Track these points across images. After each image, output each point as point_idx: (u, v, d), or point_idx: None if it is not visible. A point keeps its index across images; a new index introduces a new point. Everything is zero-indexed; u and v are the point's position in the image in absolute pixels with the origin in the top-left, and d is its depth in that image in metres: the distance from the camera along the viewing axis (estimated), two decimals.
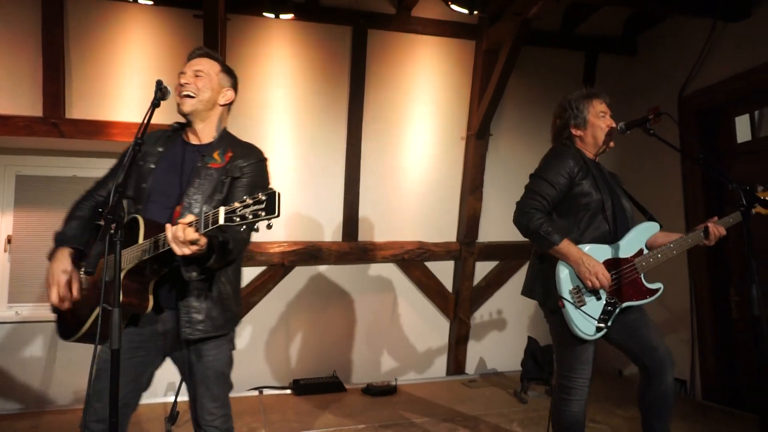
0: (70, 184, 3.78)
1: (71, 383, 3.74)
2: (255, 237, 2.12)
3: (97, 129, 3.54)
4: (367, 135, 4.21)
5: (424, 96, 4.34)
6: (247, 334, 4.10)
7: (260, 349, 4.14)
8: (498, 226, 4.53)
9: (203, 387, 1.79)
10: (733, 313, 3.79)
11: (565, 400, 2.20)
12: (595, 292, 2.14)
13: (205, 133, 1.88)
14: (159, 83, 1.73)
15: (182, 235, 1.45)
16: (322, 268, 4.28)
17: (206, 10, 3.25)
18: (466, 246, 4.44)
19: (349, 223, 4.24)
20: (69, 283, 1.67)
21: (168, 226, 1.48)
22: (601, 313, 2.14)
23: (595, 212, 2.19)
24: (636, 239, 2.21)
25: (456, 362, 4.50)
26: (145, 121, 1.63)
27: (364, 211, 4.28)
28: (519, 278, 4.70)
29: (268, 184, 1.88)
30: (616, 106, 2.39)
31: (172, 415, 3.10)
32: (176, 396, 3.10)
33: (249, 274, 4.10)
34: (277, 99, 4.05)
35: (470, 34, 4.30)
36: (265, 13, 3.59)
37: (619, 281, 2.16)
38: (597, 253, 2.16)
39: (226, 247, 1.63)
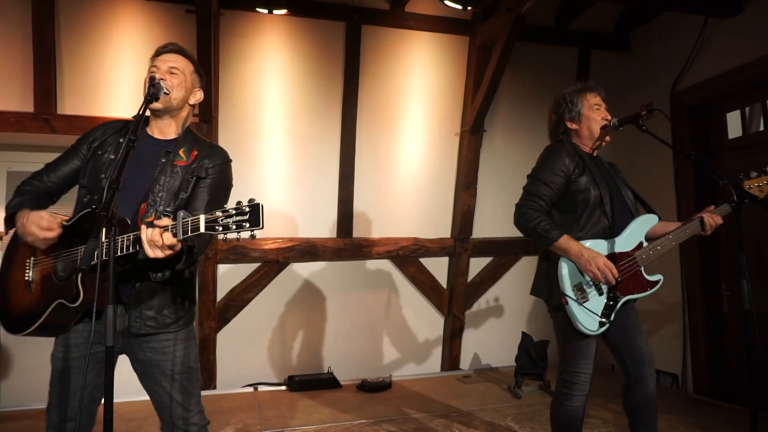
0: None
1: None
2: None
3: (88, 124, 3.45)
4: (361, 131, 4.21)
5: (418, 92, 4.34)
6: (242, 330, 4.10)
7: (255, 346, 4.14)
8: (492, 222, 4.55)
9: (172, 384, 1.76)
10: (725, 307, 3.83)
11: (566, 395, 2.22)
12: (597, 288, 2.15)
13: (170, 129, 1.85)
14: (152, 79, 1.72)
15: (159, 240, 1.43)
16: (317, 265, 4.27)
17: (199, 6, 3.23)
18: (461, 242, 4.45)
19: (344, 219, 4.24)
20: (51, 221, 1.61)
21: (143, 227, 1.46)
22: (604, 308, 2.15)
23: (593, 207, 2.20)
24: (635, 232, 2.22)
25: (450, 358, 4.52)
26: (140, 117, 1.61)
27: (358, 207, 4.28)
28: (513, 274, 4.74)
29: (230, 185, 1.88)
30: (609, 101, 2.40)
31: None
32: None
33: (243, 270, 4.09)
34: (271, 95, 4.03)
35: (464, 29, 4.29)
36: (258, 9, 3.57)
37: (621, 275, 2.17)
38: (597, 247, 2.17)
39: (193, 251, 1.63)
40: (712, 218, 2.21)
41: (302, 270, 4.25)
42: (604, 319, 2.13)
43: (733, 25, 3.67)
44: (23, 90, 3.48)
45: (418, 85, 4.33)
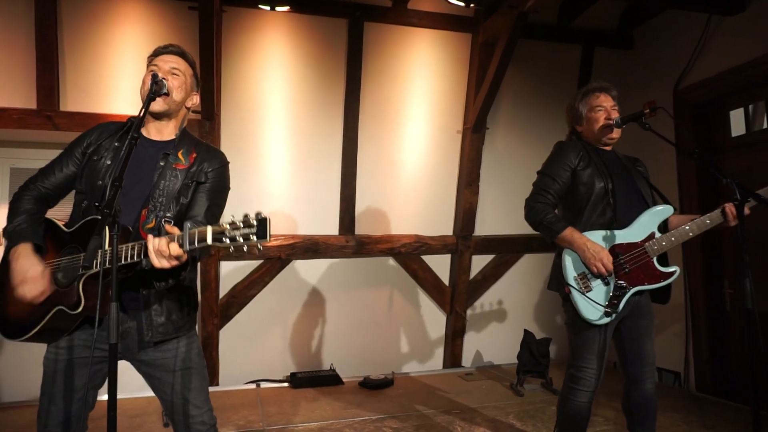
0: None
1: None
2: None
3: (91, 121, 3.50)
4: (364, 128, 4.20)
5: (420, 89, 4.33)
6: (245, 327, 4.11)
7: (258, 343, 4.15)
8: (494, 219, 4.55)
9: (180, 384, 1.75)
10: (727, 305, 3.83)
11: (572, 389, 2.23)
12: (602, 278, 2.17)
13: (167, 130, 1.83)
14: (155, 76, 1.71)
15: (167, 251, 1.43)
16: (319, 262, 4.28)
17: (201, 2, 3.22)
18: (463, 239, 4.45)
19: (346, 216, 4.24)
20: (41, 277, 1.61)
21: (150, 237, 1.46)
22: (610, 299, 2.16)
23: (597, 200, 2.24)
24: (647, 223, 2.22)
25: (452, 355, 4.53)
26: (141, 116, 1.61)
27: (360, 204, 4.28)
28: (515, 271, 4.74)
29: (228, 188, 1.88)
30: None
31: None
32: None
33: (246, 267, 4.10)
34: (273, 92, 4.03)
35: (467, 27, 4.28)
36: (260, 5, 3.57)
37: (629, 266, 2.18)
38: (602, 238, 2.19)
39: (196, 260, 1.64)
40: (735, 208, 2.12)
41: (305, 267, 4.26)
42: (609, 309, 2.14)
43: (736, 23, 3.66)
44: (26, 87, 3.48)
45: (420, 82, 4.32)
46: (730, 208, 2.12)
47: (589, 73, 4.63)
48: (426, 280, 4.50)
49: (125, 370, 1.79)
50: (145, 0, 3.66)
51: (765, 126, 3.70)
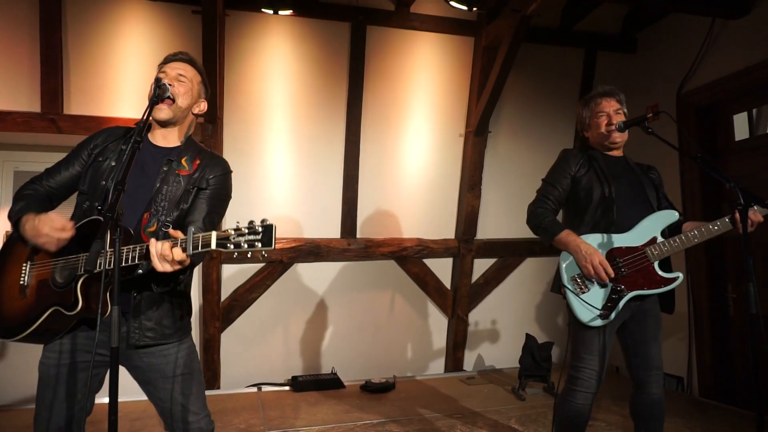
0: None
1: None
2: None
3: (95, 125, 3.53)
4: (366, 132, 4.21)
5: (422, 93, 4.33)
6: (246, 330, 4.11)
7: (259, 346, 4.14)
8: (496, 223, 4.55)
9: (177, 390, 1.74)
10: (731, 310, 3.81)
11: (571, 390, 2.22)
12: (599, 280, 2.17)
13: (173, 136, 1.84)
14: (158, 80, 1.72)
15: (170, 254, 1.44)
16: (321, 265, 4.28)
17: (204, 6, 3.24)
18: (465, 243, 4.45)
19: (348, 219, 4.24)
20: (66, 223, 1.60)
21: (153, 241, 1.46)
22: (606, 301, 2.15)
23: (597, 204, 2.26)
24: (649, 228, 2.22)
25: (454, 359, 4.52)
26: (145, 119, 1.61)
27: (362, 207, 4.28)
28: (517, 275, 4.73)
29: (229, 197, 1.88)
30: None
31: None
32: None
33: (248, 270, 4.10)
34: (276, 95, 4.04)
35: (469, 30, 4.29)
36: (263, 9, 3.57)
37: (627, 269, 2.17)
38: (600, 241, 2.20)
39: (193, 264, 1.62)
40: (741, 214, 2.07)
41: (306, 270, 4.26)
42: (604, 312, 2.14)
43: (740, 27, 3.65)
44: (30, 90, 3.49)
45: (422, 85, 4.32)
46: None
47: (591, 77, 4.63)
48: (428, 283, 4.49)
49: (125, 372, 1.79)
50: (148, 4, 3.68)
51: None
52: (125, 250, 1.52)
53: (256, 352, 4.13)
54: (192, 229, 1.46)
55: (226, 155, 3.82)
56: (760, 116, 3.76)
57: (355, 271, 4.35)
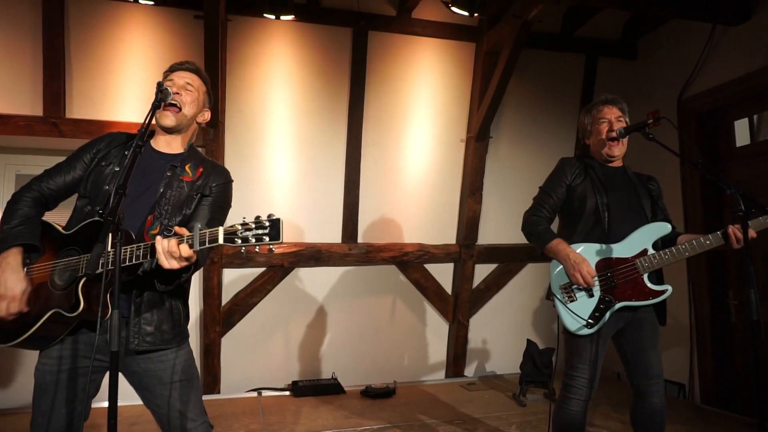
0: None
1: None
2: None
3: (97, 129, 3.54)
4: (367, 136, 4.22)
5: (424, 98, 4.34)
6: (247, 335, 4.10)
7: (259, 351, 4.13)
8: (497, 228, 4.54)
9: (175, 396, 1.73)
10: (732, 316, 3.80)
11: (565, 398, 2.23)
12: (587, 290, 2.18)
13: (177, 143, 1.86)
14: (159, 85, 1.72)
15: (177, 251, 1.44)
16: (322, 270, 4.27)
17: (207, 11, 3.25)
18: (466, 248, 4.44)
19: (349, 224, 4.24)
20: (22, 295, 1.60)
21: (159, 238, 1.47)
22: (593, 311, 2.16)
23: (589, 214, 2.28)
24: (640, 239, 2.22)
25: (455, 365, 4.50)
26: (146, 123, 1.62)
27: (363, 212, 4.28)
28: (518, 281, 4.73)
29: (230, 206, 1.90)
30: None
31: None
32: None
33: (249, 275, 4.10)
34: (278, 100, 4.05)
35: (470, 36, 4.30)
36: (265, 14, 3.59)
37: (616, 280, 2.18)
38: (590, 251, 2.21)
39: (198, 263, 1.62)
40: (738, 230, 2.04)
41: (307, 275, 4.25)
42: (591, 321, 2.15)
43: (741, 33, 3.66)
44: (33, 94, 3.51)
45: (424, 91, 4.33)
46: (733, 230, 2.05)
47: (592, 82, 4.64)
48: (429, 288, 4.49)
49: (122, 377, 1.78)
50: (151, 8, 3.70)
51: None
52: (129, 249, 1.53)
53: (256, 356, 4.12)
54: (198, 225, 1.47)
55: (228, 160, 3.87)
56: (761, 122, 3.76)
57: (356, 276, 4.35)
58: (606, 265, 2.19)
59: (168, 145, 1.85)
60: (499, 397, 3.96)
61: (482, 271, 4.61)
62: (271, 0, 3.48)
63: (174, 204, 1.74)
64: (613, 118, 2.35)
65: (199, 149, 2.03)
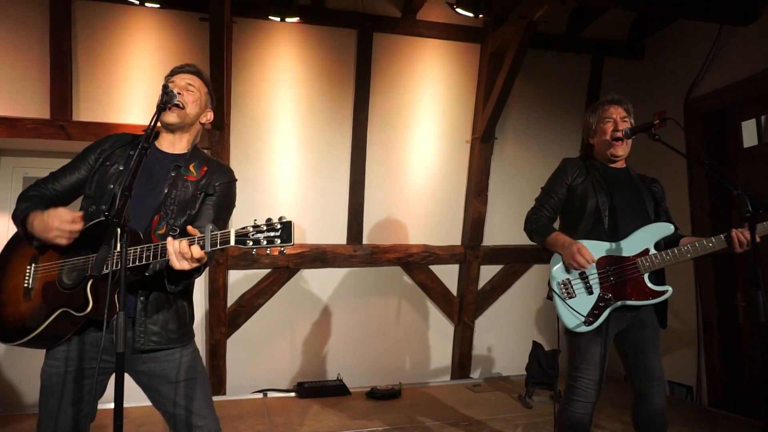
0: None
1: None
2: None
3: (103, 131, 3.56)
4: (372, 138, 4.22)
5: (429, 99, 4.34)
6: (252, 336, 4.11)
7: (265, 352, 4.14)
8: (503, 229, 4.53)
9: (182, 395, 1.73)
10: (740, 318, 3.77)
11: (570, 400, 2.22)
12: (586, 287, 2.16)
13: (181, 143, 1.87)
14: (165, 87, 1.73)
15: (189, 252, 1.45)
16: (327, 271, 4.27)
17: (212, 13, 3.27)
18: (471, 249, 4.44)
19: (354, 225, 4.25)
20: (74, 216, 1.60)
21: (170, 239, 1.48)
22: (592, 308, 2.16)
23: (590, 214, 2.27)
24: (642, 239, 2.21)
25: (460, 366, 4.49)
26: (152, 125, 1.63)
27: (368, 214, 4.28)
28: (524, 282, 4.71)
29: (234, 205, 1.91)
30: None
31: None
32: None
33: (254, 276, 4.11)
34: (283, 102, 4.06)
35: (475, 37, 4.30)
36: (270, 17, 3.60)
37: (616, 278, 2.17)
38: (592, 247, 2.19)
39: (205, 264, 1.63)
40: (742, 234, 2.03)
41: (312, 276, 4.26)
42: (590, 319, 2.14)
43: (748, 33, 3.63)
44: (40, 97, 3.53)
45: (429, 92, 4.33)
46: (737, 234, 2.02)
47: (598, 83, 4.62)
48: (434, 290, 4.48)
49: (128, 378, 1.79)
50: (156, 11, 3.72)
51: None
52: (138, 249, 1.54)
53: (261, 357, 4.13)
54: (210, 226, 1.48)
55: (233, 161, 3.89)
56: None
57: (361, 278, 4.35)
58: (607, 263, 2.19)
59: (172, 145, 1.86)
60: (505, 398, 3.95)
61: (488, 273, 4.60)
62: (276, 2, 3.49)
63: (179, 203, 1.75)
64: (618, 117, 2.34)
65: (205, 151, 2.03)
